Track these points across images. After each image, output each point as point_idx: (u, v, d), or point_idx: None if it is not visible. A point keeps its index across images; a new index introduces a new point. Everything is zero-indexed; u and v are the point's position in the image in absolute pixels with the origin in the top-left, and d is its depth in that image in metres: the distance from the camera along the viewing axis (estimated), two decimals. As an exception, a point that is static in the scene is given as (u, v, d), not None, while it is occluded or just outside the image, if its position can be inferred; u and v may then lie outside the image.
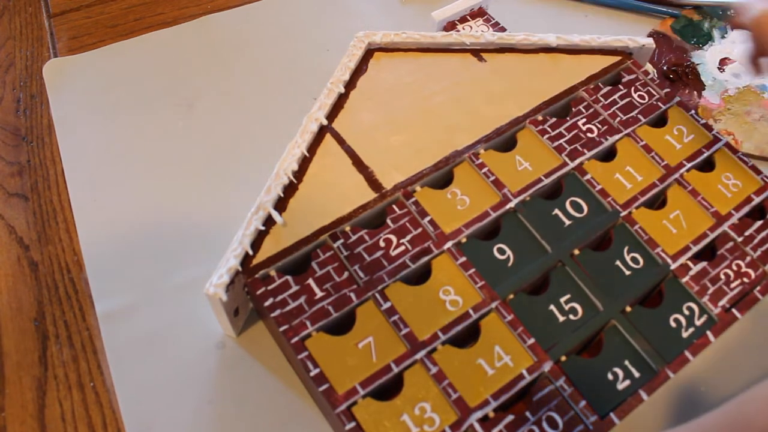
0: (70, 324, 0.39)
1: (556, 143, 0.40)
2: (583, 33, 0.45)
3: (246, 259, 0.34)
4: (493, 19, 0.49)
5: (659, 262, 0.37)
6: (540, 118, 0.41)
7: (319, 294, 0.34)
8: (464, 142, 0.40)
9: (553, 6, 0.58)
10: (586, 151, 0.40)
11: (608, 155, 0.41)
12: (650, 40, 0.45)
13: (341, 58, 0.42)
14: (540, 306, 0.35)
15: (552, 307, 0.35)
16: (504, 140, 0.41)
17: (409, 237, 0.36)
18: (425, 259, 0.35)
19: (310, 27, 0.54)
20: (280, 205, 0.36)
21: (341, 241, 0.35)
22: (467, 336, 0.34)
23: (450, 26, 0.48)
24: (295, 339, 0.32)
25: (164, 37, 0.53)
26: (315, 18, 0.55)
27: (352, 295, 0.34)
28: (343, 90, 0.41)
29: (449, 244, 0.36)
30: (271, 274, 0.34)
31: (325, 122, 0.39)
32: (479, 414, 0.31)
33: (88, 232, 0.42)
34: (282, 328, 0.33)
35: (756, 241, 0.38)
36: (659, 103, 0.43)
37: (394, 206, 0.37)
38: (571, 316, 0.35)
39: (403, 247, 0.36)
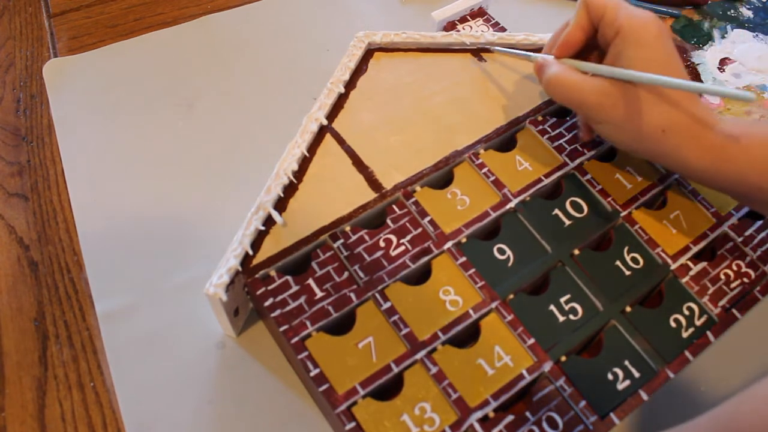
0: (70, 324, 0.39)
1: (556, 143, 0.40)
2: (583, 33, 0.45)
3: (246, 259, 0.34)
4: (493, 19, 0.49)
5: (659, 262, 0.37)
6: (540, 118, 0.41)
7: (319, 294, 0.34)
8: (464, 142, 0.40)
9: (553, 6, 0.58)
10: (586, 151, 0.40)
11: (608, 155, 0.41)
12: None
13: (341, 58, 0.42)
14: (540, 306, 0.35)
15: (552, 307, 0.35)
16: (504, 140, 0.41)
17: (409, 237, 0.36)
18: (425, 259, 0.35)
19: (310, 27, 0.54)
20: (280, 205, 0.36)
21: (341, 241, 0.35)
22: (467, 336, 0.34)
23: (450, 26, 0.48)
24: (295, 339, 0.32)
25: (164, 37, 0.53)
26: (315, 18, 0.55)
27: (352, 295, 0.34)
28: (343, 90, 0.41)
29: (449, 244, 0.36)
30: (271, 274, 0.34)
31: (325, 122, 0.39)
32: (479, 414, 0.31)
33: (88, 232, 0.42)
34: (282, 328, 0.33)
35: (756, 241, 0.38)
36: (659, 103, 0.43)
37: (394, 206, 0.37)
38: (571, 316, 0.35)
39: (403, 247, 0.36)
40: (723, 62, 0.54)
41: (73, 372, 0.37)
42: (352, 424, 0.30)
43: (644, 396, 0.33)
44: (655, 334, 0.34)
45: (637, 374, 0.33)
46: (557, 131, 0.41)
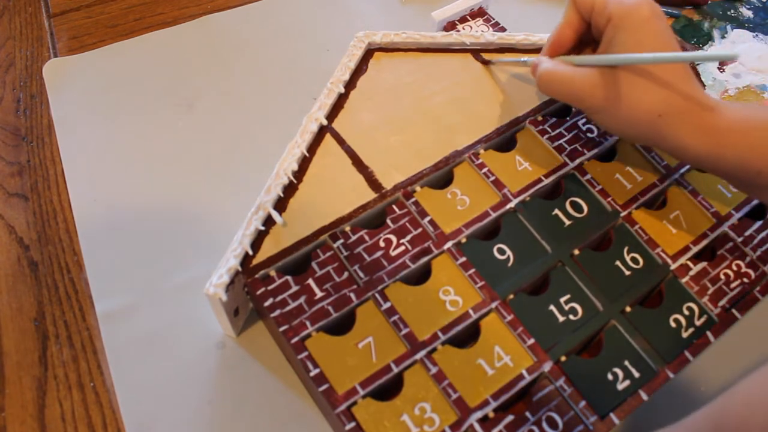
0: (70, 324, 0.39)
1: (556, 143, 0.40)
2: (583, 33, 0.45)
3: (246, 259, 0.34)
4: (493, 19, 0.49)
5: (659, 263, 0.37)
6: (540, 118, 0.41)
7: (319, 294, 0.34)
8: (464, 142, 0.40)
9: (553, 6, 0.58)
10: (586, 151, 0.40)
11: (608, 155, 0.41)
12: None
13: (341, 58, 0.42)
14: (540, 306, 0.35)
15: (552, 307, 0.35)
16: (504, 140, 0.41)
17: (409, 237, 0.36)
18: (425, 259, 0.35)
19: (310, 27, 0.54)
20: (280, 205, 0.36)
21: (341, 241, 0.35)
22: (467, 336, 0.34)
23: (450, 26, 0.48)
24: (295, 339, 0.32)
25: (164, 37, 0.53)
26: (315, 18, 0.55)
27: (352, 295, 0.34)
28: (343, 90, 0.41)
29: (449, 244, 0.36)
30: (271, 274, 0.34)
31: (325, 122, 0.39)
32: (479, 414, 0.31)
33: (88, 232, 0.42)
34: (282, 328, 0.33)
35: (756, 241, 0.38)
36: (659, 103, 0.43)
37: (394, 206, 0.37)
38: (571, 316, 0.35)
39: (403, 247, 0.36)
40: (723, 62, 0.54)
41: (73, 372, 0.37)
42: (352, 424, 0.30)
43: (644, 396, 0.33)
44: (655, 334, 0.34)
45: (637, 374, 0.33)
46: (557, 131, 0.41)
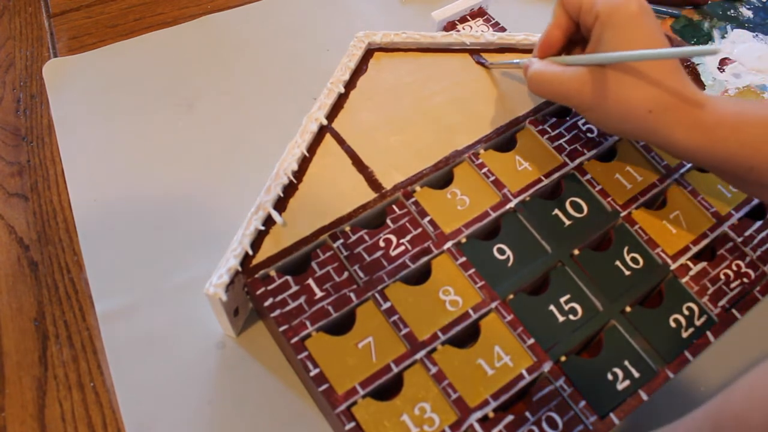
0: (70, 324, 0.39)
1: (556, 143, 0.40)
2: (583, 33, 0.45)
3: (246, 259, 0.34)
4: (493, 19, 0.49)
5: (659, 263, 0.37)
6: (540, 118, 0.41)
7: (319, 294, 0.34)
8: (464, 142, 0.40)
9: (553, 6, 0.58)
10: (586, 151, 0.40)
11: (608, 155, 0.41)
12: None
13: (341, 58, 0.42)
14: (540, 306, 0.35)
15: (552, 307, 0.35)
16: (504, 140, 0.41)
17: (409, 237, 0.36)
18: (425, 259, 0.35)
19: (310, 27, 0.54)
20: (280, 205, 0.36)
21: (341, 241, 0.35)
22: (467, 336, 0.34)
23: (450, 26, 0.48)
24: (295, 339, 0.32)
25: (164, 37, 0.53)
26: (315, 18, 0.55)
27: (352, 295, 0.34)
28: (343, 90, 0.41)
29: (449, 244, 0.36)
30: (271, 274, 0.34)
31: (325, 122, 0.39)
32: (479, 414, 0.31)
33: (88, 232, 0.42)
34: (282, 328, 0.33)
35: (756, 241, 0.38)
36: (659, 103, 0.43)
37: (394, 206, 0.37)
38: (571, 316, 0.35)
39: (403, 247, 0.36)
40: (723, 62, 0.54)
41: (73, 372, 0.37)
42: (352, 424, 0.30)
43: (644, 396, 0.33)
44: (655, 334, 0.34)
45: (636, 374, 0.33)
46: (557, 131, 0.41)
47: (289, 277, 0.34)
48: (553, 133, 0.41)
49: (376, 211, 0.37)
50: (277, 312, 0.33)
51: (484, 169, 0.39)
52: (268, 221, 0.35)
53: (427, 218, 0.37)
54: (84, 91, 0.49)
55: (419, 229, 0.36)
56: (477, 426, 0.31)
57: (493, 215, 0.37)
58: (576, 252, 0.37)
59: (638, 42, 0.33)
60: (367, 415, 0.31)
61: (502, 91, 0.43)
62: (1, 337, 0.38)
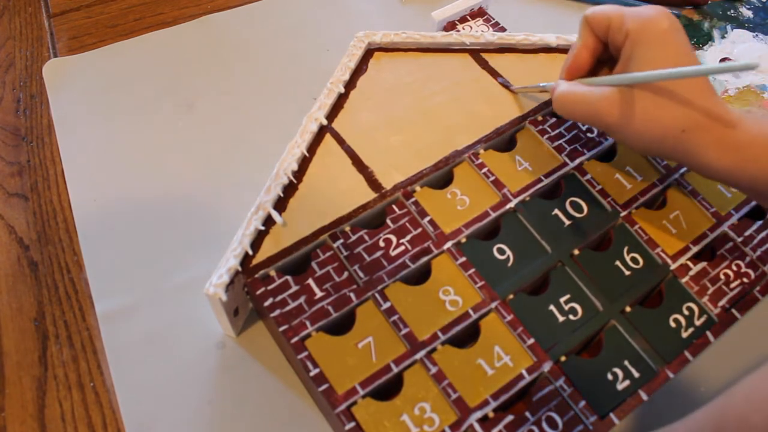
0: (70, 324, 0.39)
1: (556, 143, 0.40)
2: (583, 33, 0.45)
3: (246, 259, 0.34)
4: (493, 19, 0.49)
5: (659, 263, 0.37)
6: (540, 118, 0.41)
7: (319, 294, 0.34)
8: (464, 142, 0.40)
9: (553, 6, 0.58)
10: (586, 151, 0.40)
11: (608, 155, 0.41)
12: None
13: (341, 58, 0.42)
14: (540, 306, 0.35)
15: (552, 307, 0.35)
16: (504, 140, 0.41)
17: (408, 237, 0.36)
18: (425, 259, 0.35)
19: (310, 27, 0.54)
20: (280, 205, 0.36)
21: (341, 241, 0.35)
22: (467, 336, 0.34)
23: (450, 26, 0.48)
24: (295, 339, 0.32)
25: (164, 37, 0.53)
26: (315, 18, 0.55)
27: (352, 295, 0.34)
28: (343, 90, 0.41)
29: (449, 244, 0.36)
30: (270, 274, 0.34)
31: (325, 122, 0.39)
32: (479, 414, 0.31)
33: (88, 232, 0.42)
34: (282, 328, 0.33)
35: (756, 241, 0.38)
36: (659, 103, 0.43)
37: (394, 206, 0.37)
38: (571, 316, 0.35)
39: (402, 247, 0.36)
40: (723, 62, 0.54)
41: (73, 372, 0.37)
42: (352, 424, 0.30)
43: (644, 396, 0.33)
44: (654, 334, 0.34)
45: (636, 374, 0.33)
46: (557, 131, 0.41)
47: (289, 277, 0.34)
48: (553, 133, 0.41)
49: (376, 211, 0.37)
50: (277, 312, 0.33)
51: (484, 169, 0.39)
52: (268, 221, 0.35)
53: (427, 218, 0.37)
54: (84, 91, 0.49)
55: (419, 229, 0.36)
56: (477, 426, 0.31)
57: (493, 215, 0.37)
58: (576, 252, 0.37)
59: (669, 60, 0.32)
60: (367, 415, 0.31)
61: (502, 91, 0.43)
62: (1, 337, 0.38)
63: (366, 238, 0.36)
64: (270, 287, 0.34)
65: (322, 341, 0.33)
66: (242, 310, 0.37)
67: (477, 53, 0.44)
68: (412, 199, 0.37)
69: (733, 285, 0.37)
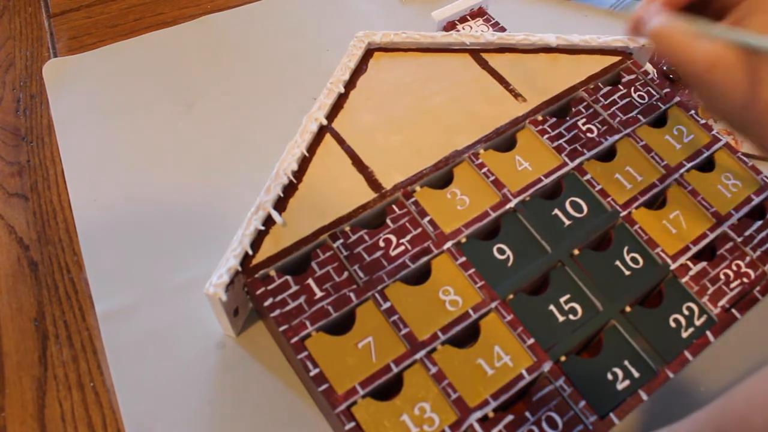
0: (70, 324, 0.39)
1: (556, 143, 0.40)
2: (583, 33, 0.45)
3: (246, 259, 0.34)
4: (493, 19, 0.49)
5: (659, 262, 0.37)
6: (540, 118, 0.41)
7: (319, 294, 0.34)
8: (464, 142, 0.40)
9: (553, 6, 0.58)
10: (586, 151, 0.40)
11: (608, 155, 0.41)
12: (650, 40, 0.45)
13: (341, 58, 0.42)
14: (540, 306, 0.35)
15: (552, 307, 0.35)
16: (504, 140, 0.41)
17: (408, 237, 0.36)
18: (425, 259, 0.35)
19: (310, 27, 0.54)
20: (280, 205, 0.36)
21: (341, 241, 0.35)
22: (467, 336, 0.34)
23: (450, 26, 0.48)
24: (295, 339, 0.32)
25: (164, 37, 0.53)
26: (315, 18, 0.55)
27: (352, 295, 0.34)
28: (343, 90, 0.41)
29: (449, 244, 0.36)
30: (270, 274, 0.34)
31: (325, 122, 0.39)
32: (479, 414, 0.31)
33: (88, 232, 0.42)
34: (282, 328, 0.33)
35: (756, 241, 0.38)
36: (659, 103, 0.43)
37: (393, 206, 0.37)
38: (571, 316, 0.35)
39: (402, 247, 0.36)
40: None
41: (73, 372, 0.37)
42: (352, 424, 0.30)
43: (644, 396, 0.33)
44: (654, 334, 0.34)
45: (636, 374, 0.33)
46: (557, 131, 0.41)
47: (289, 277, 0.34)
48: (553, 133, 0.41)
49: (376, 211, 0.37)
50: (277, 312, 0.33)
51: (484, 169, 0.39)
52: (268, 221, 0.35)
53: (427, 218, 0.37)
54: (84, 91, 0.49)
55: (419, 229, 0.36)
56: (477, 426, 0.31)
57: (493, 215, 0.37)
58: (576, 252, 0.37)
59: None
60: (367, 415, 0.31)
61: (502, 91, 0.43)
62: (1, 337, 0.38)
63: (366, 238, 0.36)
64: (270, 287, 0.34)
65: (322, 341, 0.33)
66: (242, 310, 0.37)
67: (477, 53, 0.44)
68: (412, 199, 0.37)
69: (733, 285, 0.37)
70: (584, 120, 0.42)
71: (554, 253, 0.36)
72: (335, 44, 0.52)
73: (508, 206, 0.38)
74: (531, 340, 0.33)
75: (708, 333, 0.35)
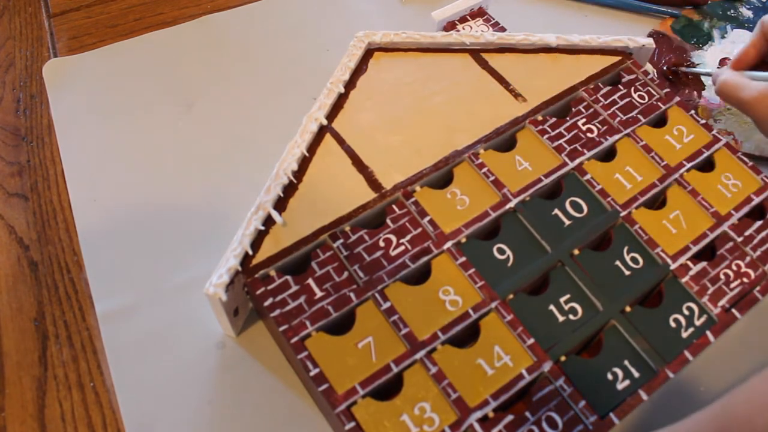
0: (70, 324, 0.39)
1: (556, 143, 0.40)
2: (583, 33, 0.45)
3: (246, 259, 0.34)
4: (493, 19, 0.49)
5: (659, 262, 0.37)
6: (540, 118, 0.41)
7: (319, 294, 0.34)
8: (464, 142, 0.40)
9: (553, 6, 0.58)
10: (586, 151, 0.40)
11: (608, 155, 0.41)
12: (650, 40, 0.45)
13: (341, 58, 0.42)
14: (540, 306, 0.35)
15: (552, 307, 0.35)
16: (504, 140, 0.41)
17: (408, 237, 0.36)
18: (425, 259, 0.35)
19: (310, 27, 0.54)
20: (280, 205, 0.36)
21: (341, 241, 0.35)
22: (467, 336, 0.34)
23: (450, 26, 0.48)
24: (295, 339, 0.32)
25: (164, 37, 0.53)
26: (315, 18, 0.55)
27: (352, 295, 0.34)
28: (343, 90, 0.41)
29: (449, 244, 0.36)
30: (270, 274, 0.34)
31: (325, 122, 0.39)
32: (479, 414, 0.31)
33: (88, 233, 0.42)
34: (282, 328, 0.33)
35: (756, 241, 0.38)
36: (659, 103, 0.43)
37: (393, 206, 0.37)
38: (571, 316, 0.35)
39: (402, 247, 0.36)
40: (723, 62, 0.54)
41: (73, 372, 0.37)
42: (352, 424, 0.30)
43: (644, 396, 0.33)
44: (654, 334, 0.34)
45: (636, 374, 0.33)
46: (557, 131, 0.41)
47: (289, 277, 0.34)
48: (553, 133, 0.41)
49: (376, 211, 0.37)
50: (277, 312, 0.33)
51: (484, 169, 0.39)
52: (268, 221, 0.36)
53: (427, 218, 0.37)
54: (84, 91, 0.49)
55: (419, 229, 0.36)
56: (477, 426, 0.31)
57: (493, 215, 0.37)
58: (576, 252, 0.37)
59: None
60: (367, 414, 0.31)
61: (502, 91, 0.43)
62: (1, 337, 0.38)
63: (366, 238, 0.36)
64: (270, 287, 0.34)
65: (322, 341, 0.33)
66: (242, 310, 0.37)
67: (477, 53, 0.44)
68: (412, 199, 0.37)
69: (733, 285, 0.37)
70: (584, 120, 0.42)
71: (554, 253, 0.36)
72: (335, 44, 0.52)
73: (508, 206, 0.38)
74: (531, 340, 0.33)
75: (708, 333, 0.35)
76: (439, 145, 0.40)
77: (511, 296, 0.35)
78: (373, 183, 0.38)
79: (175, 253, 0.41)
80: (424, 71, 0.43)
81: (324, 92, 0.40)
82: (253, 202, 0.36)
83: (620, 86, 0.43)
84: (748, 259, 0.38)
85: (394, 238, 0.36)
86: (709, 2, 0.58)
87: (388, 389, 0.32)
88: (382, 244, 0.36)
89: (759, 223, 0.39)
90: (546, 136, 0.41)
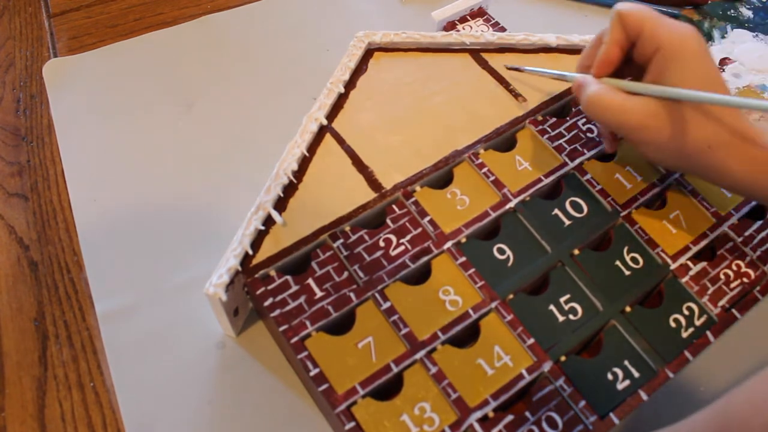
0: (70, 324, 0.39)
1: (556, 143, 0.40)
2: (583, 33, 0.45)
3: (246, 259, 0.34)
4: (493, 19, 0.49)
5: (659, 262, 0.37)
6: (540, 118, 0.41)
7: (319, 294, 0.34)
8: (464, 142, 0.40)
9: (553, 6, 0.58)
10: (586, 151, 0.40)
11: (608, 155, 0.41)
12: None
13: (341, 58, 0.42)
14: (540, 306, 0.35)
15: (552, 307, 0.35)
16: (504, 140, 0.41)
17: (408, 237, 0.36)
18: (425, 259, 0.35)
19: (310, 27, 0.54)
20: (280, 205, 0.36)
21: (341, 240, 0.35)
22: (467, 336, 0.34)
23: (450, 26, 0.48)
24: (295, 339, 0.32)
25: (164, 37, 0.53)
26: (315, 18, 0.55)
27: (352, 295, 0.34)
28: (343, 90, 0.41)
29: (449, 244, 0.36)
30: (270, 274, 0.34)
31: (325, 122, 0.39)
32: (479, 414, 0.31)
33: (88, 232, 0.42)
34: (282, 328, 0.33)
35: (756, 241, 0.38)
36: (659, 103, 0.43)
37: (393, 206, 0.37)
38: (571, 316, 0.35)
39: (402, 247, 0.36)
40: (723, 62, 0.54)
41: (73, 372, 0.37)
42: (352, 424, 0.30)
43: (644, 396, 0.33)
44: (654, 334, 0.34)
45: (636, 374, 0.33)
46: (557, 131, 0.41)
47: (289, 277, 0.34)
48: (553, 133, 0.41)
49: (376, 211, 0.37)
50: (277, 312, 0.33)
51: (484, 169, 0.39)
52: (268, 221, 0.36)
53: (427, 218, 0.37)
54: (84, 91, 0.49)
55: (419, 229, 0.36)
56: (477, 426, 0.31)
57: (493, 215, 0.37)
58: (576, 252, 0.37)
59: (703, 79, 0.32)
60: (367, 414, 0.31)
61: (502, 91, 0.43)
62: (1, 337, 0.38)
63: (366, 238, 0.36)
64: (270, 287, 0.34)
65: (322, 341, 0.33)
66: (242, 310, 0.37)
67: (477, 53, 0.44)
68: (412, 199, 0.37)
69: (733, 285, 0.37)
70: (584, 120, 0.42)
71: (554, 253, 0.36)
72: (335, 44, 0.52)
73: (508, 206, 0.38)
74: (531, 340, 0.33)
75: (708, 333, 0.35)
76: (439, 145, 0.40)
77: (511, 296, 0.35)
78: (373, 183, 0.38)
79: (175, 253, 0.41)
80: (424, 71, 0.43)
81: (324, 92, 0.40)
82: (253, 202, 0.36)
83: (620, 86, 0.43)
84: (748, 259, 0.38)
85: (394, 238, 0.36)
86: (709, 2, 0.58)
87: (388, 389, 0.32)
88: (382, 244, 0.36)
89: (759, 223, 0.39)
90: (546, 136, 0.41)
